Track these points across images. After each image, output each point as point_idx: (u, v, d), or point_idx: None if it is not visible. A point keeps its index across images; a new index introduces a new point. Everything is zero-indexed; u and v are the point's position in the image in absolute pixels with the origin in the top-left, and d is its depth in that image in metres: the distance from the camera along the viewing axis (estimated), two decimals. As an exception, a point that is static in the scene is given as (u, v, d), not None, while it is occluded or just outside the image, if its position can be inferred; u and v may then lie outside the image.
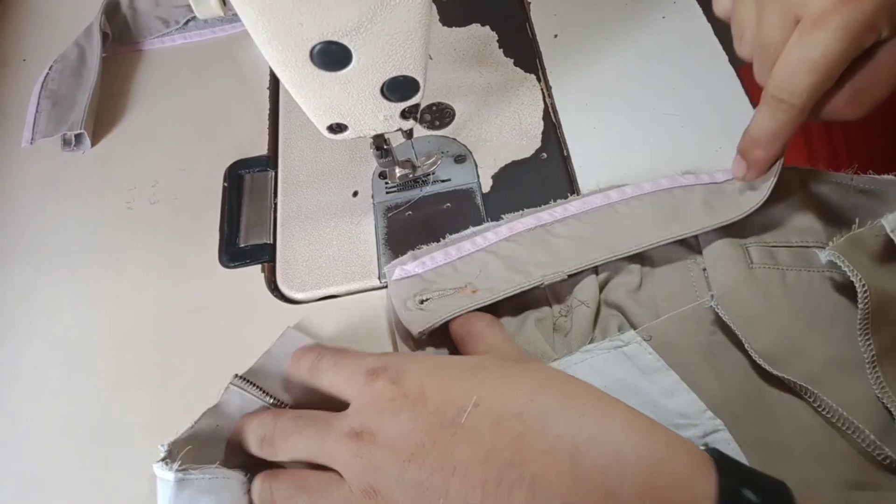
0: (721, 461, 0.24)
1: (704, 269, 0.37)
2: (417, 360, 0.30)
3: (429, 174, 0.45)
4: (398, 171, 0.44)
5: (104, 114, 0.55)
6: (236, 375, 0.35)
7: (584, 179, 0.44)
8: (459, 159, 0.46)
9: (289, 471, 0.31)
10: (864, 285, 0.30)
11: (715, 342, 0.34)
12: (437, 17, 0.55)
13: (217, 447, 0.33)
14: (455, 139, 0.48)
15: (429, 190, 0.45)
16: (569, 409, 0.26)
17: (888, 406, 0.30)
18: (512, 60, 0.51)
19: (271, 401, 0.35)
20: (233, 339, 0.41)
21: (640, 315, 0.36)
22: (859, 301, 0.31)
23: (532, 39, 0.52)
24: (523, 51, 0.52)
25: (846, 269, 0.31)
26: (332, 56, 0.31)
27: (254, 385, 0.35)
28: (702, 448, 0.26)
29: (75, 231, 0.49)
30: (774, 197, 0.36)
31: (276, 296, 0.43)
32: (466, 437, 0.26)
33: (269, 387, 0.35)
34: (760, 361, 0.32)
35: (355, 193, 0.46)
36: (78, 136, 0.53)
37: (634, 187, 0.39)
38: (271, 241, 0.46)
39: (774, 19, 0.31)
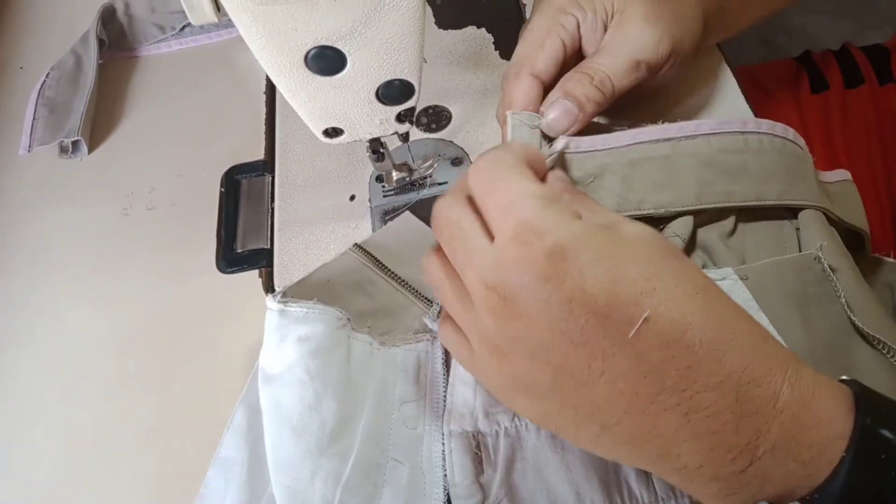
0: (861, 395, 0.24)
1: (797, 229, 0.37)
2: (579, 234, 0.25)
3: (425, 177, 0.45)
4: (395, 175, 0.44)
5: (101, 120, 0.55)
6: (356, 244, 0.40)
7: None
8: (456, 162, 0.46)
9: (456, 279, 0.29)
10: None
11: (810, 293, 0.34)
12: (433, 21, 0.55)
13: (326, 295, 0.36)
14: (452, 142, 0.48)
15: (426, 193, 0.45)
16: (737, 342, 0.24)
17: None
18: (508, 62, 0.51)
19: (382, 273, 0.39)
20: (231, 344, 0.41)
21: (728, 259, 0.36)
22: None
23: (528, 41, 0.52)
24: (519, 53, 0.52)
25: None
26: (326, 61, 0.31)
27: (368, 254, 0.39)
28: (842, 379, 0.25)
29: (73, 238, 0.49)
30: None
31: (274, 301, 0.43)
32: (628, 352, 0.24)
33: (382, 257, 0.39)
34: (853, 317, 0.33)
35: (352, 197, 0.46)
36: (75, 143, 0.53)
37: (769, 124, 0.37)
38: (268, 246, 0.45)
39: None
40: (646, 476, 0.31)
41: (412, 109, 0.36)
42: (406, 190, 0.45)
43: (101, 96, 0.56)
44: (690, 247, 0.37)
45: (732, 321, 0.25)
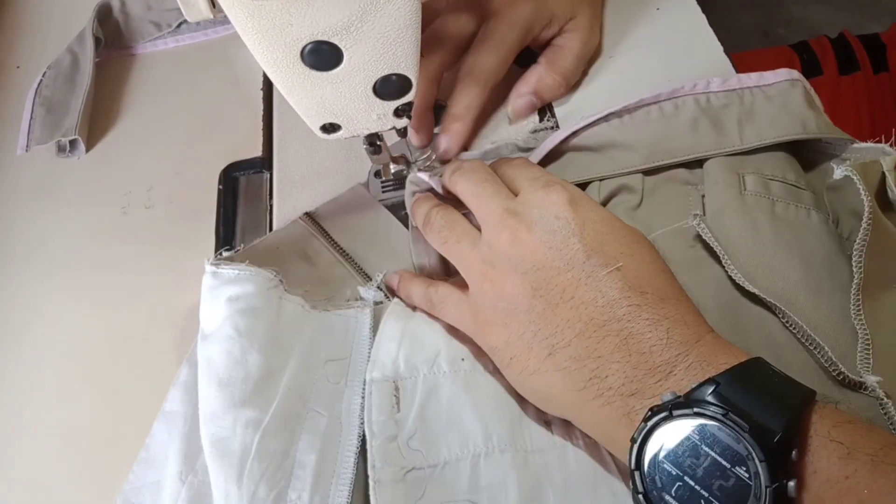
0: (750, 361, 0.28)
1: (703, 196, 0.38)
2: (591, 202, 0.34)
3: (423, 170, 0.45)
4: (393, 167, 0.44)
5: (98, 119, 0.55)
6: (306, 213, 0.43)
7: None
8: (455, 156, 0.46)
9: (454, 209, 0.37)
10: (870, 204, 0.32)
11: (699, 257, 0.36)
12: (430, 15, 0.55)
13: (272, 261, 0.39)
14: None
15: (425, 187, 0.45)
16: (678, 302, 0.31)
17: (857, 328, 0.32)
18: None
19: (327, 243, 0.42)
20: (231, 342, 0.41)
21: None
22: (864, 219, 0.33)
23: (526, 34, 0.52)
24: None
25: (858, 183, 0.33)
26: (323, 56, 0.31)
27: (317, 223, 0.43)
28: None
29: (71, 237, 0.49)
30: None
31: (273, 298, 0.43)
32: (597, 285, 0.31)
33: (329, 228, 0.43)
34: (737, 277, 0.34)
35: (351, 193, 0.46)
36: (72, 142, 0.53)
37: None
38: (268, 243, 0.45)
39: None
40: (546, 424, 0.34)
41: (410, 104, 0.36)
42: (404, 183, 0.45)
43: (98, 95, 0.56)
44: None
45: (677, 291, 0.32)
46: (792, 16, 1.32)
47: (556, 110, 0.47)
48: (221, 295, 0.36)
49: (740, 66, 0.45)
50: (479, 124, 0.46)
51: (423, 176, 0.40)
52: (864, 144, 0.37)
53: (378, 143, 0.40)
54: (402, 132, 0.40)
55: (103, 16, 0.58)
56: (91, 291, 0.46)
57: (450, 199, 0.39)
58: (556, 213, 0.33)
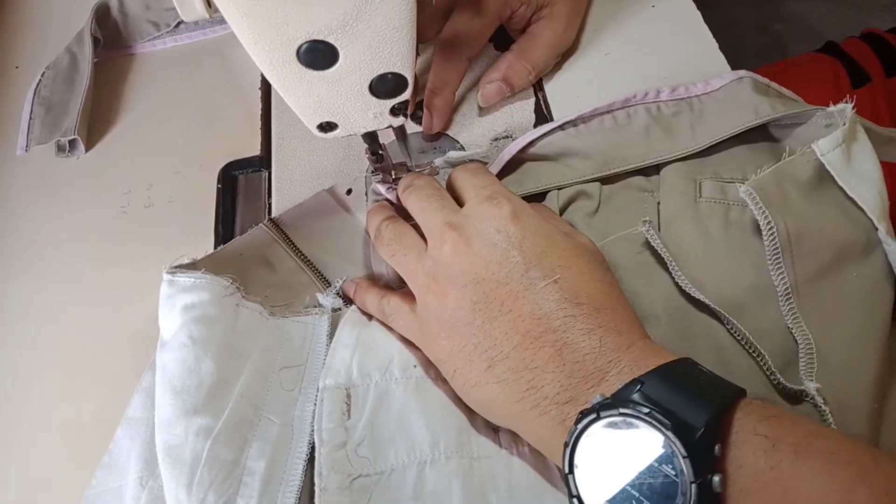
0: (666, 368, 0.28)
1: (659, 203, 0.39)
2: (533, 215, 0.34)
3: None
4: (394, 174, 0.44)
5: (97, 119, 0.55)
6: (269, 219, 0.43)
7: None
8: (452, 155, 0.46)
9: (403, 222, 0.38)
10: (769, 221, 0.33)
11: (648, 262, 0.37)
12: (427, 13, 0.55)
13: (235, 267, 0.39)
14: (447, 134, 0.48)
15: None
16: (613, 311, 0.31)
17: (795, 335, 0.32)
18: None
19: (289, 250, 0.42)
20: (230, 339, 0.41)
21: (590, 238, 0.38)
22: (764, 236, 0.33)
23: (522, 32, 0.52)
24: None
25: (752, 205, 0.33)
26: (318, 55, 0.31)
27: (280, 230, 0.42)
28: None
29: (71, 236, 0.49)
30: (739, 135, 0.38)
31: (272, 296, 0.43)
32: (534, 297, 0.31)
33: (292, 235, 0.43)
34: (684, 283, 0.34)
35: (349, 192, 0.46)
36: (72, 142, 0.53)
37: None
38: (266, 242, 0.46)
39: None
40: (493, 432, 0.35)
41: (406, 102, 0.36)
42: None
43: (97, 95, 0.56)
44: None
45: (614, 300, 0.32)
46: (789, 12, 1.32)
47: (553, 109, 0.47)
48: (177, 303, 0.36)
49: (781, 77, 0.42)
50: (459, 98, 0.47)
51: (381, 188, 0.41)
52: (832, 108, 0.36)
53: (380, 151, 0.40)
54: (401, 133, 0.40)
55: (102, 16, 0.58)
56: (92, 290, 0.46)
57: (404, 210, 0.39)
58: (497, 227, 0.33)
